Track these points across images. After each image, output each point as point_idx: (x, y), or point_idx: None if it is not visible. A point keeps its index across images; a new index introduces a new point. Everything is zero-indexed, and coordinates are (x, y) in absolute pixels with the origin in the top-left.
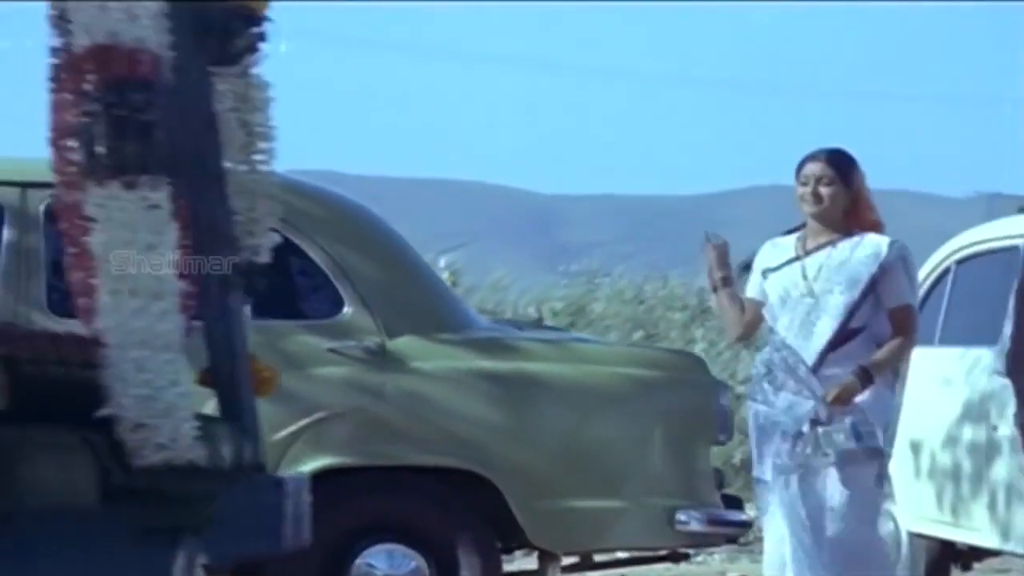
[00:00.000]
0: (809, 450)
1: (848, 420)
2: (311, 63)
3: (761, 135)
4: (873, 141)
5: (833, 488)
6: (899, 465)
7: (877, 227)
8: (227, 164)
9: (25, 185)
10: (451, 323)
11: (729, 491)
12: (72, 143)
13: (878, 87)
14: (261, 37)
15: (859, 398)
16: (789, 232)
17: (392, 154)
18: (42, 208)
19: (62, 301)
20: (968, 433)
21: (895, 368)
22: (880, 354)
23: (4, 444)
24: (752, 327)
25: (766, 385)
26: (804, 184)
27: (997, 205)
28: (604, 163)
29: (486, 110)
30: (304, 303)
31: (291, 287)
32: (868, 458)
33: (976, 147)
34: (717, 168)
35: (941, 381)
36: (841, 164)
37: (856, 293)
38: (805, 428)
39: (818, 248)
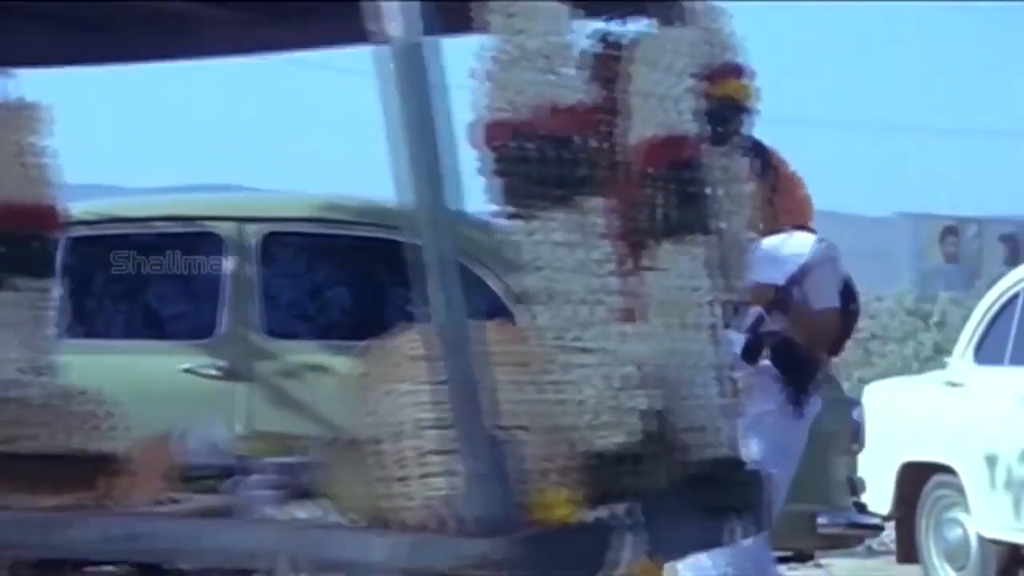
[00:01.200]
0: None
1: None
2: None
3: None
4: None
5: None
6: (973, 477)
7: (806, 221)
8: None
9: (242, 220)
10: None
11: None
12: (630, 209)
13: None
14: (747, 122)
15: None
16: None
17: None
18: (256, 241)
19: (278, 324)
20: None
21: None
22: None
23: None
24: None
25: None
26: None
27: (924, 225)
28: None
29: None
30: None
31: (474, 314)
32: None
33: (892, 170)
34: None
35: (1016, 399)
36: (753, 158)
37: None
38: None
39: None
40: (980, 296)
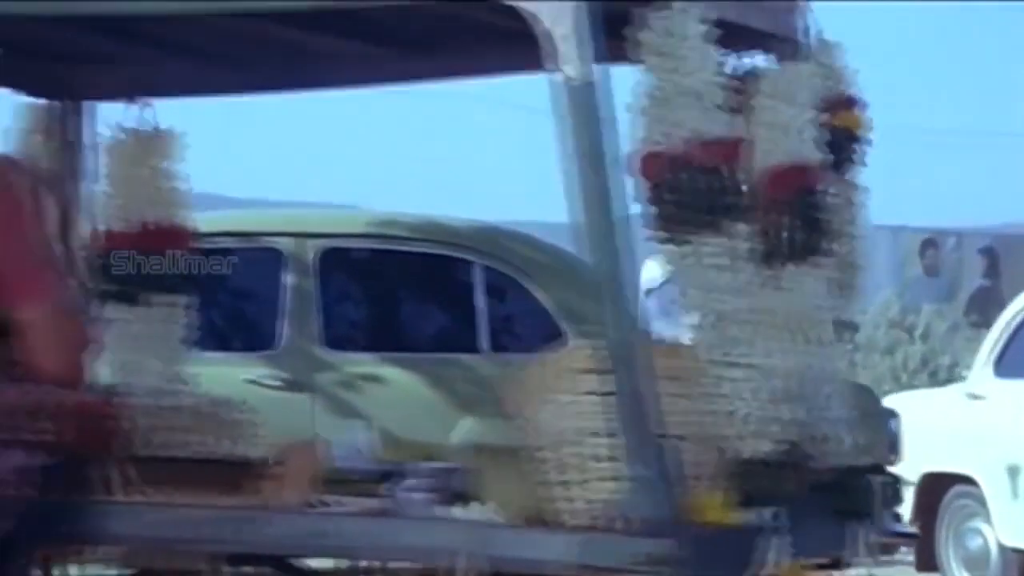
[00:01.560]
0: None
1: None
2: None
3: None
4: None
5: None
6: (994, 487)
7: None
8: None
9: (301, 235)
10: None
11: None
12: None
13: None
14: (861, 150)
15: None
16: None
17: None
18: (315, 255)
19: (336, 336)
20: None
21: None
22: None
23: None
24: None
25: None
26: None
27: (901, 237)
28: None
29: None
30: (533, 338)
31: (522, 324)
32: None
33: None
34: None
35: None
36: None
37: None
38: None
39: None
40: (961, 308)
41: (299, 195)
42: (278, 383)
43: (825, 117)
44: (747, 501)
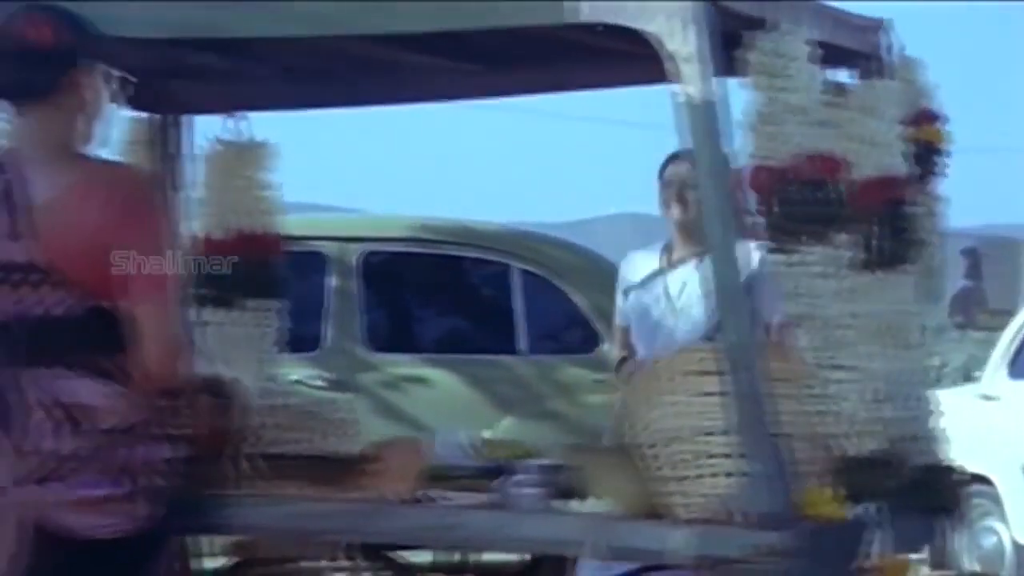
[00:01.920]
0: None
1: None
2: None
3: (621, 164)
4: None
5: None
6: (1009, 486)
7: (747, 236)
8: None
9: (344, 239)
10: None
11: None
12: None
13: None
14: (942, 163)
15: None
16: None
17: None
18: (356, 259)
19: (378, 337)
20: None
21: None
22: None
23: None
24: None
25: None
26: (668, 187)
27: None
28: (476, 191)
29: None
30: (568, 340)
31: (558, 326)
32: None
33: None
34: (577, 196)
35: None
36: None
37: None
38: None
39: (683, 261)
40: (946, 309)
41: (357, 203)
42: (322, 383)
43: (910, 131)
44: (852, 497)
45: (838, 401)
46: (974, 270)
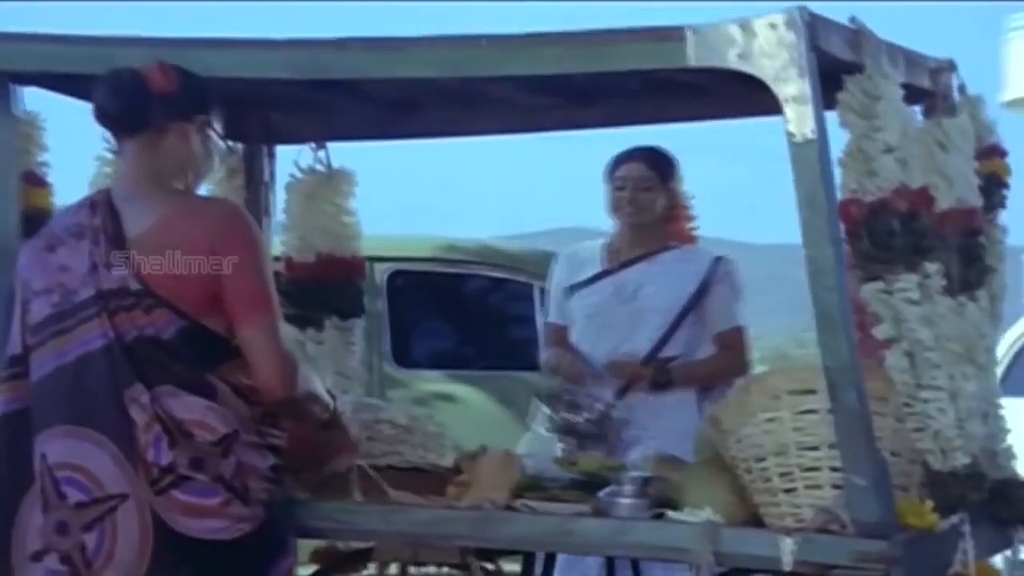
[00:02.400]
0: None
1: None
2: None
3: (562, 178)
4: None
5: None
6: None
7: (694, 240)
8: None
9: (371, 259)
10: None
11: None
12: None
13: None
14: (1005, 194)
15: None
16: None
17: None
18: (383, 277)
19: (404, 354)
20: None
21: (709, 391)
22: (696, 362)
23: None
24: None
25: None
26: (619, 188)
27: None
28: (419, 205)
29: None
30: None
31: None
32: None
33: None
34: (520, 211)
35: None
36: (662, 166)
37: (672, 316)
38: None
39: (633, 262)
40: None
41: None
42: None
43: (979, 165)
44: (942, 509)
45: (930, 419)
46: None
